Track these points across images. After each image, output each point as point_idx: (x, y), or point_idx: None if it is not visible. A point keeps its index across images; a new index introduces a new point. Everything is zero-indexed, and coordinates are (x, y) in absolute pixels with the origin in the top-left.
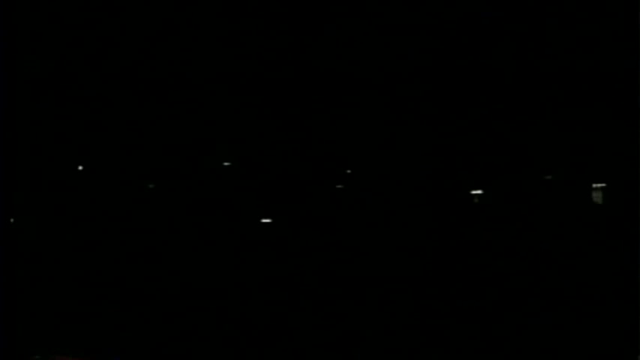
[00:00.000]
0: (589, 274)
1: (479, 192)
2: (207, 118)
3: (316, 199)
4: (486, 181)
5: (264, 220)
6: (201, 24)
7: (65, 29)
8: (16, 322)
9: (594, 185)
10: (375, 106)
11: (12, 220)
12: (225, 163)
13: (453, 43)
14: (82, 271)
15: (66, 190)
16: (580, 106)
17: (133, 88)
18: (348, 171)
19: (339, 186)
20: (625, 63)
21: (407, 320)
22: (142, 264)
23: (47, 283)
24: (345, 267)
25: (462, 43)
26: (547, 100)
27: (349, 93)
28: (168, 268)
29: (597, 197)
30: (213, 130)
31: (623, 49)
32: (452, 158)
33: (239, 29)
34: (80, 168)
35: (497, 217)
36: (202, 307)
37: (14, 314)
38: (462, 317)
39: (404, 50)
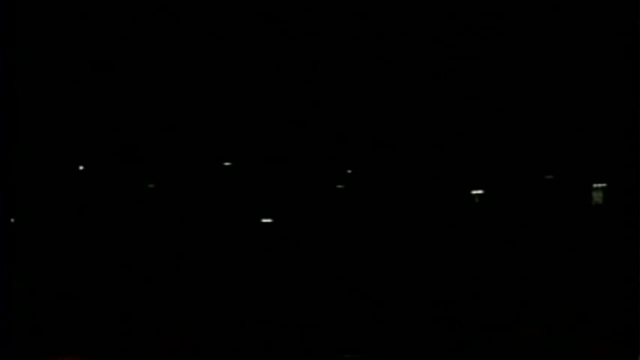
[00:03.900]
0: (589, 274)
1: (479, 192)
2: (208, 118)
3: (317, 199)
4: (487, 181)
5: (264, 220)
6: (200, 25)
7: (65, 29)
8: (14, 322)
9: (595, 185)
10: (375, 107)
11: (12, 220)
12: (226, 163)
13: (454, 43)
14: (81, 271)
15: (66, 190)
16: (580, 106)
17: (134, 88)
18: (349, 171)
19: (340, 186)
20: (625, 63)
21: (406, 318)
22: (141, 263)
23: (46, 284)
24: (346, 266)
25: (463, 43)
26: (547, 101)
27: (349, 93)
28: (168, 268)
29: (598, 197)
30: (214, 131)
31: (623, 49)
32: (452, 158)
33: (239, 30)
34: (81, 168)
35: (497, 216)
36: (201, 306)
37: (12, 314)
38: (461, 315)
39: (404, 51)
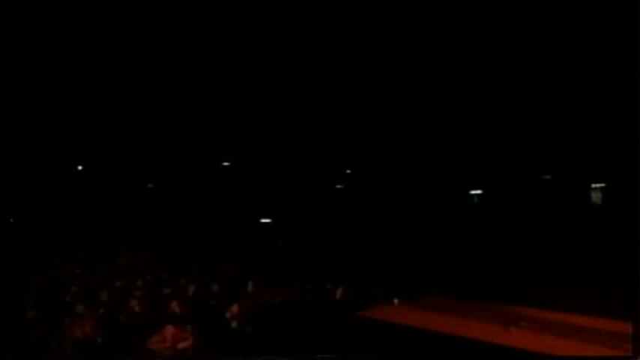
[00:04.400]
0: (587, 274)
1: (478, 192)
2: (206, 118)
3: (315, 199)
4: (486, 181)
5: (263, 220)
6: (200, 25)
7: (65, 29)
8: (15, 321)
9: (593, 185)
10: (373, 107)
11: (12, 220)
12: (225, 163)
13: (453, 44)
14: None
15: (65, 190)
16: (578, 107)
17: (133, 88)
18: (348, 171)
19: (339, 186)
20: (625, 63)
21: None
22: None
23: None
24: (343, 265)
25: (462, 44)
26: (545, 101)
27: (348, 94)
28: (166, 268)
29: (596, 197)
30: (212, 131)
31: (623, 49)
32: (451, 158)
33: (238, 30)
34: (80, 168)
35: (495, 216)
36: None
37: (13, 314)
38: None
39: (403, 51)
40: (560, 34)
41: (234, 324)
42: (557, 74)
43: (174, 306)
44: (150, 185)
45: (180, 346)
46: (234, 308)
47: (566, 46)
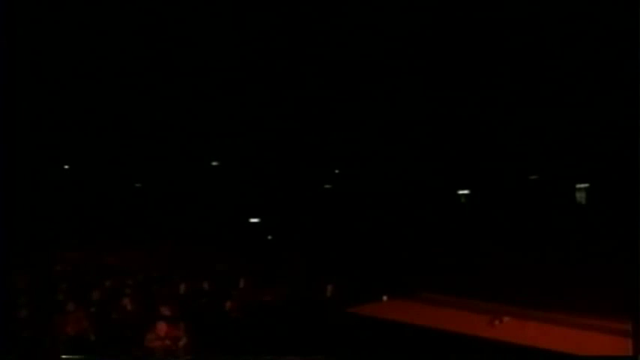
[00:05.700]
0: (584, 275)
1: (465, 192)
2: (195, 118)
3: (304, 199)
4: (473, 182)
5: (252, 220)
6: (197, 25)
7: (65, 30)
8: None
9: (578, 185)
10: (366, 107)
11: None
12: (214, 163)
13: (447, 45)
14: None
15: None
16: (570, 107)
17: (128, 88)
18: (337, 171)
19: (328, 186)
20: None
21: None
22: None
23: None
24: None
25: (451, 41)
26: (535, 102)
27: (342, 94)
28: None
29: (581, 197)
30: (204, 130)
31: (623, 49)
32: (439, 158)
33: (234, 29)
34: (66, 167)
35: (484, 216)
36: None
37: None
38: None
39: (397, 53)
40: (553, 32)
41: (225, 322)
42: (548, 72)
43: (166, 305)
44: (138, 184)
45: (173, 343)
46: (226, 306)
47: (559, 43)
